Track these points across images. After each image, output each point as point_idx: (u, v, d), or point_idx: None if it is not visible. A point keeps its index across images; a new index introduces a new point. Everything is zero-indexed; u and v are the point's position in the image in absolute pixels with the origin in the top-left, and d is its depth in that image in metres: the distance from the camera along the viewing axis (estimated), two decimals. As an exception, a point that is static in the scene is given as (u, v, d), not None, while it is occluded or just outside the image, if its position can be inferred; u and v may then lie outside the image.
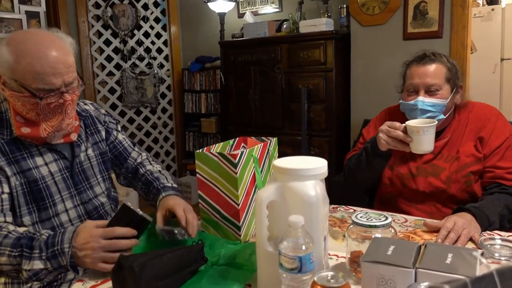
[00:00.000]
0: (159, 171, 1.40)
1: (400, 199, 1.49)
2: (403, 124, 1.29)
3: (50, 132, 1.13)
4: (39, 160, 1.16)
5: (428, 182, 1.43)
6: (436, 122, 1.27)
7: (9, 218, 1.10)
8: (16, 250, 1.00)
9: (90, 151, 1.28)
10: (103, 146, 1.33)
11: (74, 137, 1.22)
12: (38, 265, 0.99)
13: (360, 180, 1.55)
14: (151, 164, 1.43)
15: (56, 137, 1.17)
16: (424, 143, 1.25)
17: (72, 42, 1.17)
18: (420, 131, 1.24)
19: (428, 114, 1.36)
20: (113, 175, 1.43)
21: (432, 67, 1.38)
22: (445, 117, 1.39)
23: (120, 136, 1.40)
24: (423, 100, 1.36)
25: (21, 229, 1.06)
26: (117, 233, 1.00)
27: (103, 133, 1.35)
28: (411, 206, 1.46)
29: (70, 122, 1.17)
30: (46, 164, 1.17)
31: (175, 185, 1.34)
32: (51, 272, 1.00)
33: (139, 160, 1.42)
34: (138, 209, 1.05)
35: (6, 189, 1.11)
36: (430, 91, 1.37)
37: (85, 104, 1.36)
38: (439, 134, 1.43)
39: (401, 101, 1.45)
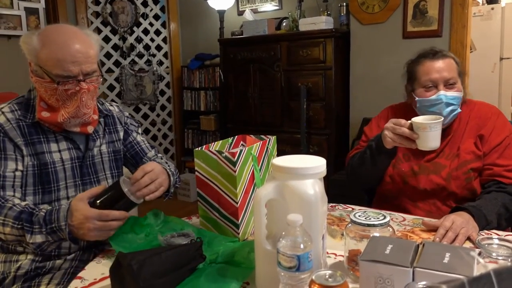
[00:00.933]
0: (166, 162, 1.42)
1: (400, 196, 1.49)
2: (409, 121, 1.28)
3: (66, 118, 1.20)
4: (53, 146, 1.23)
5: (429, 179, 1.43)
6: (442, 118, 1.27)
7: (18, 194, 1.18)
8: (18, 222, 1.09)
9: (104, 147, 1.34)
10: (118, 145, 1.39)
11: (90, 129, 1.28)
12: (39, 239, 1.08)
13: (363, 178, 1.54)
14: (161, 159, 1.45)
15: (72, 124, 1.23)
16: (431, 140, 1.25)
17: (98, 39, 1.26)
18: (427, 127, 1.23)
19: (451, 107, 1.38)
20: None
21: (446, 62, 1.41)
22: (460, 110, 1.41)
23: (139, 138, 1.46)
24: (445, 94, 1.37)
25: (23, 203, 1.15)
26: (111, 216, 1.08)
27: (121, 134, 1.40)
28: (411, 204, 1.47)
29: (88, 112, 1.23)
30: (60, 151, 1.24)
31: (172, 169, 1.35)
32: (53, 243, 1.12)
33: (152, 159, 1.45)
34: (127, 190, 1.11)
35: (20, 167, 1.18)
36: (449, 85, 1.39)
37: (111, 105, 1.43)
38: (442, 132, 1.43)
39: (417, 98, 1.43)
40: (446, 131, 1.44)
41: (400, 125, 1.29)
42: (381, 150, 1.38)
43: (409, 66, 1.49)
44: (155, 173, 1.18)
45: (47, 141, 1.22)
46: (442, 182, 1.41)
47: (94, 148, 1.30)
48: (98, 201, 1.09)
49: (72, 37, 1.16)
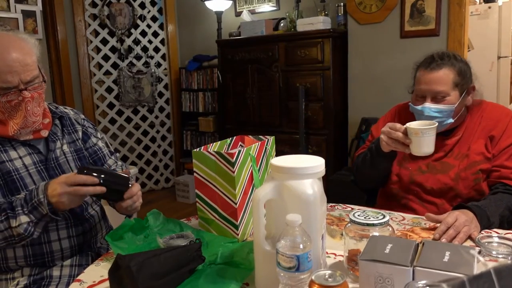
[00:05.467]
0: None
1: (406, 195, 1.48)
2: (404, 126, 1.27)
3: (17, 129, 1.18)
4: (13, 154, 1.20)
5: (436, 179, 1.42)
6: (436, 124, 1.25)
7: None
8: (2, 215, 1.08)
9: (65, 147, 1.32)
10: (79, 144, 1.37)
11: (44, 133, 1.26)
12: (24, 219, 1.07)
13: (367, 179, 1.55)
14: (122, 171, 1.45)
15: (23, 134, 1.20)
16: (424, 145, 1.24)
17: (35, 43, 1.21)
18: (419, 133, 1.22)
19: (435, 120, 1.34)
20: None
21: (439, 74, 1.35)
22: (453, 120, 1.38)
23: (100, 143, 1.45)
24: (429, 107, 1.35)
25: None
26: (78, 179, 1.07)
27: (80, 133, 1.39)
28: (418, 204, 1.45)
29: (36, 120, 1.20)
30: (20, 157, 1.21)
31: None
32: (37, 223, 1.09)
33: (113, 167, 1.45)
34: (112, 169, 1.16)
35: None
36: (437, 98, 1.36)
37: (65, 108, 1.41)
38: (451, 132, 1.43)
39: (410, 103, 1.44)
40: (454, 131, 1.43)
41: (395, 129, 1.28)
42: (379, 153, 1.38)
43: (415, 69, 1.46)
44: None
45: (4, 150, 1.19)
46: (450, 182, 1.40)
47: (56, 150, 1.28)
48: (101, 179, 1.09)
49: (7, 46, 1.12)
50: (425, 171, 1.44)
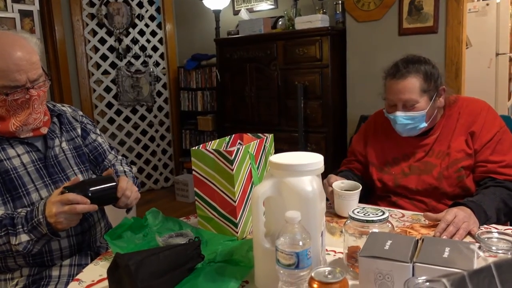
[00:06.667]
0: (124, 171, 1.43)
1: (394, 197, 1.49)
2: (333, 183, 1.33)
3: (18, 126, 1.18)
4: (11, 152, 1.20)
5: (421, 180, 1.44)
6: (360, 188, 1.28)
7: None
8: (1, 230, 1.08)
9: (64, 145, 1.32)
10: (78, 141, 1.37)
11: (44, 130, 1.26)
12: (24, 238, 1.07)
13: None
14: (121, 165, 1.46)
15: (24, 131, 1.21)
16: (342, 208, 1.29)
17: (37, 42, 1.22)
18: (337, 195, 1.29)
19: (409, 126, 1.40)
20: None
21: (405, 83, 1.36)
22: (426, 124, 1.40)
23: (100, 139, 1.45)
24: (401, 115, 1.39)
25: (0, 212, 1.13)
26: (71, 199, 1.06)
27: (79, 130, 1.39)
28: (407, 202, 1.47)
29: (38, 117, 1.21)
30: (19, 155, 1.21)
31: (132, 175, 1.42)
32: (37, 241, 1.09)
33: (113, 162, 1.45)
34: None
35: None
36: (406, 106, 1.38)
37: (63, 106, 1.41)
38: (427, 132, 1.45)
39: (384, 110, 1.48)
40: (431, 131, 1.45)
41: (329, 183, 1.35)
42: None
43: (384, 77, 1.47)
44: (132, 187, 1.23)
45: (2, 149, 1.18)
46: (434, 182, 1.41)
47: (55, 147, 1.28)
48: (89, 192, 1.10)
49: (11, 44, 1.12)
50: (408, 174, 1.46)
